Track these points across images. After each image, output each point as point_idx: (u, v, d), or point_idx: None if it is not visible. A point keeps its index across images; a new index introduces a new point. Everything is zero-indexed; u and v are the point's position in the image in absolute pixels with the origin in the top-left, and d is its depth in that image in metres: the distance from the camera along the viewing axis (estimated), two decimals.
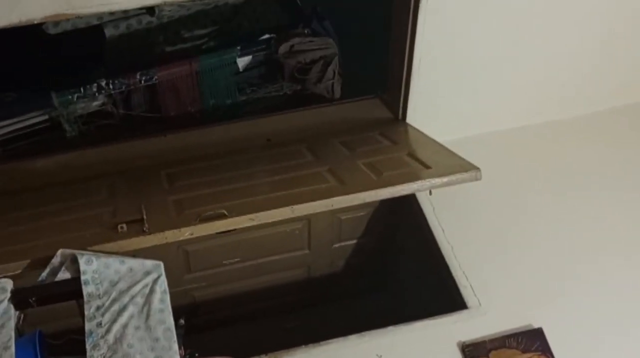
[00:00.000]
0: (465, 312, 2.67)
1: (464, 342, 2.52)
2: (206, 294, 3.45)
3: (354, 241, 3.51)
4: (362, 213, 3.35)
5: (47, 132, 3.31)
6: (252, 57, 3.51)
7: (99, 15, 3.37)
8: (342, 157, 2.95)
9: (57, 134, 3.33)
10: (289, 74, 3.52)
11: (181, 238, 2.45)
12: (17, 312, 2.16)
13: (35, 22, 2.38)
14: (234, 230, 2.58)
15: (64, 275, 2.23)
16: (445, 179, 2.63)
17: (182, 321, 2.35)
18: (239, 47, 3.45)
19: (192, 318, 2.52)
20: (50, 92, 3.26)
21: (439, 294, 2.89)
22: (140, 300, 2.17)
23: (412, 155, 2.87)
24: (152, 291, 2.19)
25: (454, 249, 2.89)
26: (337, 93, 3.55)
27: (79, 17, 2.83)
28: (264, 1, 3.64)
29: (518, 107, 3.34)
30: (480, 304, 2.68)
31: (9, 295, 2.13)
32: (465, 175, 2.63)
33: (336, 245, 3.48)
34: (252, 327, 3.60)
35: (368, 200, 2.67)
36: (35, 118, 3.28)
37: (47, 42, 3.40)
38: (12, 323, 2.07)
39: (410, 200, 3.12)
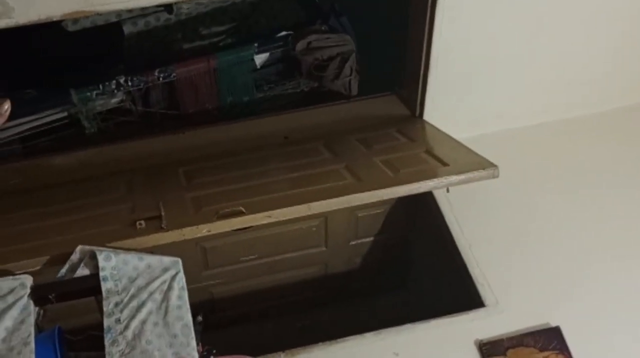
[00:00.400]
0: (483, 310, 2.67)
1: (481, 340, 2.52)
2: (224, 291, 3.47)
3: (371, 238, 3.51)
4: (379, 211, 3.35)
5: (66, 129, 3.33)
6: (270, 54, 3.51)
7: (118, 13, 3.38)
8: (359, 154, 2.95)
9: (76, 131, 3.34)
10: (306, 71, 3.52)
11: (199, 235, 2.46)
12: (37, 308, 2.17)
13: (55, 19, 2.40)
14: (251, 227, 2.59)
15: (83, 271, 2.25)
16: (462, 177, 2.62)
17: (200, 317, 2.36)
18: (256, 44, 3.46)
19: (209, 314, 2.53)
20: (69, 89, 3.28)
21: (457, 292, 2.89)
22: (158, 296, 2.18)
23: (429, 152, 2.86)
24: (170, 288, 2.21)
25: (472, 247, 2.88)
26: (354, 90, 3.55)
27: (97, 14, 2.86)
28: None
29: (534, 104, 3.33)
30: (497, 302, 2.68)
31: (28, 291, 2.15)
32: (482, 172, 2.62)
33: (353, 243, 3.48)
34: (269, 324, 3.61)
35: (385, 197, 2.67)
36: (55, 115, 3.29)
37: (66, 39, 3.42)
38: (31, 319, 2.09)
39: (428, 198, 3.12)
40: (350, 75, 3.50)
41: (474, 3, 2.80)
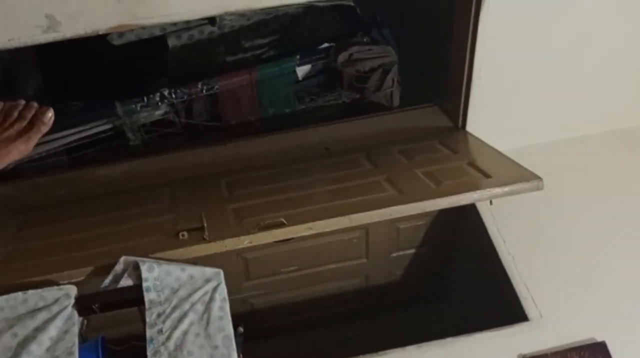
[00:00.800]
0: (526, 323, 2.64)
1: (524, 355, 2.49)
2: (264, 302, 3.48)
3: (412, 250, 3.49)
4: (420, 223, 3.33)
5: (111, 141, 3.38)
6: (311, 66, 3.52)
7: (162, 26, 3.43)
8: (401, 165, 2.94)
9: (121, 143, 3.40)
10: (347, 83, 3.52)
11: (240, 246, 2.48)
12: (81, 318, 2.21)
13: (100, 32, 2.44)
14: (292, 238, 2.59)
15: (126, 281, 2.28)
16: (506, 189, 2.60)
17: (240, 329, 2.37)
18: (298, 56, 3.47)
19: (250, 325, 2.53)
20: (114, 101, 3.33)
21: (499, 305, 2.85)
22: (200, 307, 2.20)
23: (472, 164, 2.84)
24: (211, 299, 2.23)
25: (515, 260, 2.85)
26: (396, 101, 3.54)
27: (142, 28, 2.90)
28: (324, 10, 3.64)
29: (578, 115, 3.28)
30: (541, 316, 2.64)
31: (73, 301, 2.18)
32: (526, 184, 2.59)
33: (394, 255, 3.47)
34: (309, 336, 3.61)
35: (427, 209, 2.66)
36: (100, 127, 3.35)
37: (111, 52, 3.47)
38: (75, 329, 2.13)
39: (470, 210, 3.09)
40: (392, 86, 3.50)
41: (517, 14, 2.77)
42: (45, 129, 1.30)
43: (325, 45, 3.53)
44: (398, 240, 3.38)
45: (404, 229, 3.33)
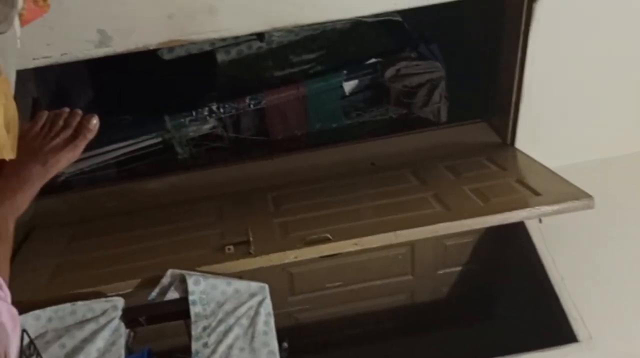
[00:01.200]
0: (576, 345, 2.58)
1: None
2: (309, 317, 3.47)
3: (459, 268, 3.45)
4: (468, 240, 3.29)
5: (160, 154, 3.43)
6: (359, 81, 3.53)
7: (211, 42, 3.47)
8: (448, 182, 2.92)
9: (169, 156, 3.44)
10: (394, 98, 3.52)
11: (286, 261, 2.48)
12: (128, 330, 2.23)
13: (151, 48, 2.48)
14: (338, 254, 2.59)
15: (172, 294, 2.30)
16: (555, 207, 2.55)
17: (285, 344, 2.37)
18: (345, 72, 3.48)
19: (294, 340, 2.53)
20: (163, 115, 3.38)
21: (548, 326, 2.80)
22: (245, 321, 2.21)
23: (521, 182, 2.80)
24: (257, 313, 2.23)
25: (564, 279, 2.79)
26: (444, 117, 3.52)
27: (192, 43, 2.95)
28: (371, 25, 3.65)
29: (628, 132, 3.21)
30: (591, 337, 2.58)
31: (120, 313, 2.21)
32: (577, 203, 2.54)
33: (440, 272, 3.43)
34: (353, 352, 3.58)
35: (474, 227, 2.64)
36: (149, 140, 3.40)
37: (161, 67, 3.53)
38: (122, 341, 2.15)
39: (519, 228, 3.04)
40: (440, 102, 3.48)
41: (568, 30, 2.74)
42: (90, 135, 1.31)
43: (373, 60, 3.53)
44: (444, 257, 3.35)
45: (450, 246, 3.29)
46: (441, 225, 2.53)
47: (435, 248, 3.27)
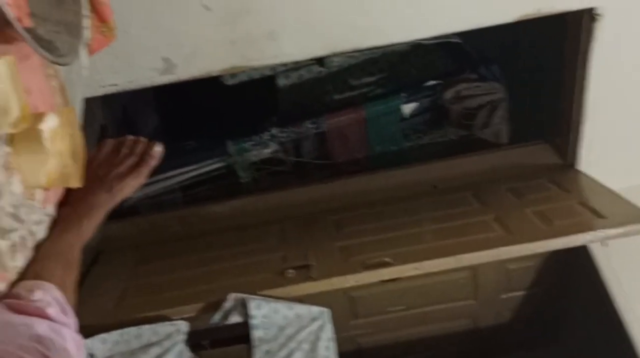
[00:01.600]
0: None
1: None
2: (371, 341, 3.45)
3: (522, 292, 3.39)
4: (531, 263, 3.24)
5: (223, 179, 3.49)
6: (418, 103, 3.53)
7: (272, 67, 3.53)
8: (510, 204, 2.88)
9: (232, 180, 3.50)
10: (455, 120, 3.51)
11: (347, 285, 2.49)
12: (192, 354, 2.27)
13: (214, 74, 2.54)
14: (399, 278, 2.58)
15: (234, 318, 2.32)
16: (620, 230, 2.49)
17: None
18: (405, 94, 3.49)
19: None
20: (226, 140, 3.44)
21: (614, 352, 2.73)
22: (306, 346, 2.22)
23: (585, 204, 2.74)
24: (318, 338, 2.24)
25: (631, 304, 2.72)
26: (505, 138, 3.49)
27: (253, 69, 3.00)
28: (431, 48, 3.66)
29: None
30: None
31: (184, 337, 2.25)
32: None
33: (503, 296, 3.38)
34: None
35: (537, 251, 2.60)
36: (213, 165, 3.46)
37: (223, 92, 3.60)
38: None
39: (583, 251, 2.98)
40: (501, 123, 3.46)
41: (630, 49, 2.69)
42: (154, 162, 1.32)
43: (432, 82, 3.53)
44: (507, 281, 3.30)
45: (513, 270, 3.24)
46: (503, 249, 2.50)
47: (497, 272, 3.23)
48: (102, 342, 2.21)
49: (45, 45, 1.03)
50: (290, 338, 2.23)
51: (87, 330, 1.10)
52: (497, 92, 3.46)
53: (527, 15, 2.50)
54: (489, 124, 3.46)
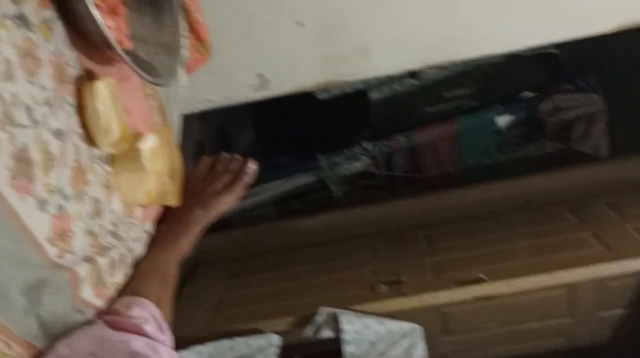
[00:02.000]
0: None
1: None
2: None
3: (621, 310, 3.26)
4: (631, 281, 3.12)
5: (316, 193, 3.52)
6: (513, 116, 3.46)
7: (364, 81, 3.53)
8: (609, 220, 2.80)
9: (324, 194, 3.53)
10: (551, 133, 3.42)
11: (439, 301, 2.46)
12: None
13: (306, 90, 2.56)
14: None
15: (325, 333, 2.34)
16: None
17: None
18: (499, 106, 3.43)
19: None
20: (318, 154, 3.47)
21: None
22: None
23: None
24: (409, 355, 2.23)
25: None
26: (604, 151, 3.38)
27: (346, 84, 3.02)
28: (526, 59, 3.58)
29: None
30: None
31: (276, 350, 2.27)
32: None
33: (601, 314, 3.26)
34: None
35: (638, 268, 2.50)
36: (305, 179, 3.50)
37: (316, 107, 3.63)
38: None
39: None
40: (600, 136, 3.35)
41: None
42: (249, 179, 1.33)
43: (528, 94, 3.46)
44: (606, 299, 3.17)
45: (612, 288, 3.12)
46: (602, 266, 2.44)
47: (595, 290, 3.11)
48: (197, 354, 2.27)
49: (145, 66, 1.06)
50: (382, 354, 2.23)
51: (182, 342, 1.12)
52: (595, 104, 3.36)
53: (624, 26, 2.42)
54: (587, 136, 3.36)
